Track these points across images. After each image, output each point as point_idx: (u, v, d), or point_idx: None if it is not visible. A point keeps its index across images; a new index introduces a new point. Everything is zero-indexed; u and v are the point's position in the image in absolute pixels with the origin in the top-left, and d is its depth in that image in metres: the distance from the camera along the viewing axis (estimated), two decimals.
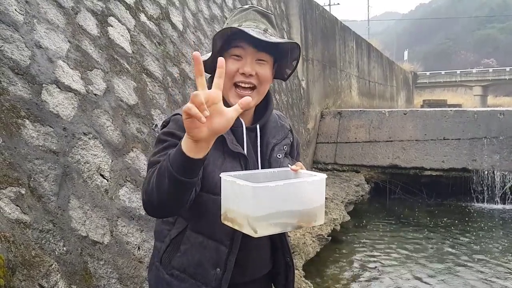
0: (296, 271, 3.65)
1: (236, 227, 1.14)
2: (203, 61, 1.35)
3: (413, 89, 27.99)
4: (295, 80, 7.97)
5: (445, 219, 6.55)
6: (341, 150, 8.33)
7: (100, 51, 3.14)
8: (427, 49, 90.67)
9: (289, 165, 1.39)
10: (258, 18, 1.32)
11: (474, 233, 5.86)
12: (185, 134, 0.96)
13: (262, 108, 1.41)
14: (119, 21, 3.53)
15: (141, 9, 3.92)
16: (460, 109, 8.76)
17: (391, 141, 7.95)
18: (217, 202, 1.20)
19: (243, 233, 1.13)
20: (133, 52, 3.52)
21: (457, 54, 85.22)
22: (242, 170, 1.28)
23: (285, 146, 1.41)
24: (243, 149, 1.30)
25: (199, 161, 0.99)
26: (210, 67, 1.38)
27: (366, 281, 4.25)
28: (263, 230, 1.10)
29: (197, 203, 1.24)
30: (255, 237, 1.09)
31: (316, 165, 8.33)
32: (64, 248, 2.11)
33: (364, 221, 6.52)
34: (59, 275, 1.93)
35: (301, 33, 8.43)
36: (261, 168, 1.34)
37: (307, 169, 1.34)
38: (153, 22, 4.02)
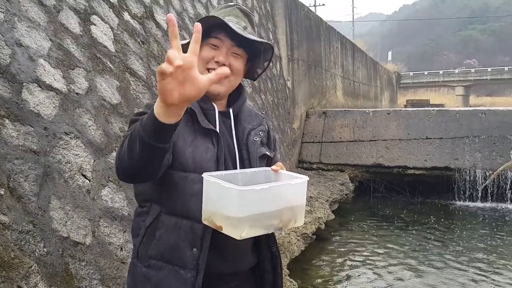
0: None
1: (218, 229, 1.13)
2: (182, 45, 1.37)
3: (397, 89, 28.32)
4: (280, 80, 8.00)
5: (428, 217, 6.64)
6: (326, 149, 8.39)
7: (82, 49, 3.10)
8: (411, 50, 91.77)
9: (267, 153, 1.42)
10: (240, 15, 1.38)
11: (457, 231, 5.96)
12: (158, 98, 0.97)
13: (235, 97, 1.45)
14: (102, 19, 3.49)
15: (125, 7, 3.89)
16: (442, 108, 8.90)
17: (375, 140, 8.03)
18: (188, 179, 1.24)
19: None
20: (116, 51, 3.49)
21: (440, 55, 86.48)
22: (215, 148, 1.29)
23: (260, 132, 1.45)
24: (215, 127, 1.32)
25: (170, 127, 1.00)
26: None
27: (350, 279, 4.28)
28: (246, 232, 1.10)
29: (168, 182, 1.26)
30: (238, 239, 1.09)
31: (301, 165, 8.37)
32: (45, 249, 2.08)
33: (349, 220, 6.57)
34: (39, 276, 1.90)
35: (287, 33, 8.46)
36: (238, 153, 1.36)
37: (291, 170, 1.35)
38: (137, 21, 3.99)
